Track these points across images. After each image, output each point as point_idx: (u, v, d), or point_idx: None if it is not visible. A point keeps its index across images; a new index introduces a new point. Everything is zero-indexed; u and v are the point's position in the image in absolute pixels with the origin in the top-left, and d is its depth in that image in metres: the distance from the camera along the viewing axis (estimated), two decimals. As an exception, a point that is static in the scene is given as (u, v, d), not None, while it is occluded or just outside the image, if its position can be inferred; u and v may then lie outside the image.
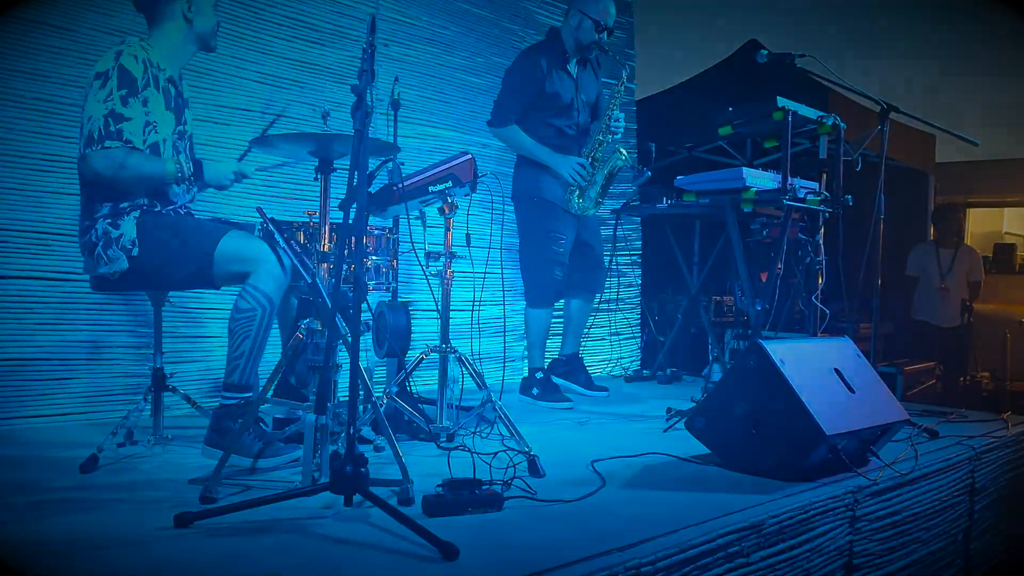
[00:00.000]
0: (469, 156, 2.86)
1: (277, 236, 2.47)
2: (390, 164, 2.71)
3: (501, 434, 2.75)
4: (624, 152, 3.70)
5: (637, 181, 4.15)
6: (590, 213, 3.77)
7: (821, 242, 3.68)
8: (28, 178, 3.06)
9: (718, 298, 5.32)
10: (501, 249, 4.11)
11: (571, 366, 4.08)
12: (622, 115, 3.81)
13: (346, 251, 2.12)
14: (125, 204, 2.49)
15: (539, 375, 3.85)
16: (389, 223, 3.33)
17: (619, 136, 3.79)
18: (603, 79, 4.04)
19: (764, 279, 3.89)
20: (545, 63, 3.75)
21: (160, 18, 2.61)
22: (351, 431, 1.89)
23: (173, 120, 2.63)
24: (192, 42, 2.66)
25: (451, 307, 2.89)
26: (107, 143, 2.40)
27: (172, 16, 2.60)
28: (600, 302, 4.20)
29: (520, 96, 3.75)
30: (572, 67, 3.86)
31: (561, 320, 4.31)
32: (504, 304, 4.52)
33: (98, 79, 2.43)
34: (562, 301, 4.07)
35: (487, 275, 3.79)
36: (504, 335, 4.59)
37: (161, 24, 2.61)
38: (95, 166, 2.41)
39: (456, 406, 2.94)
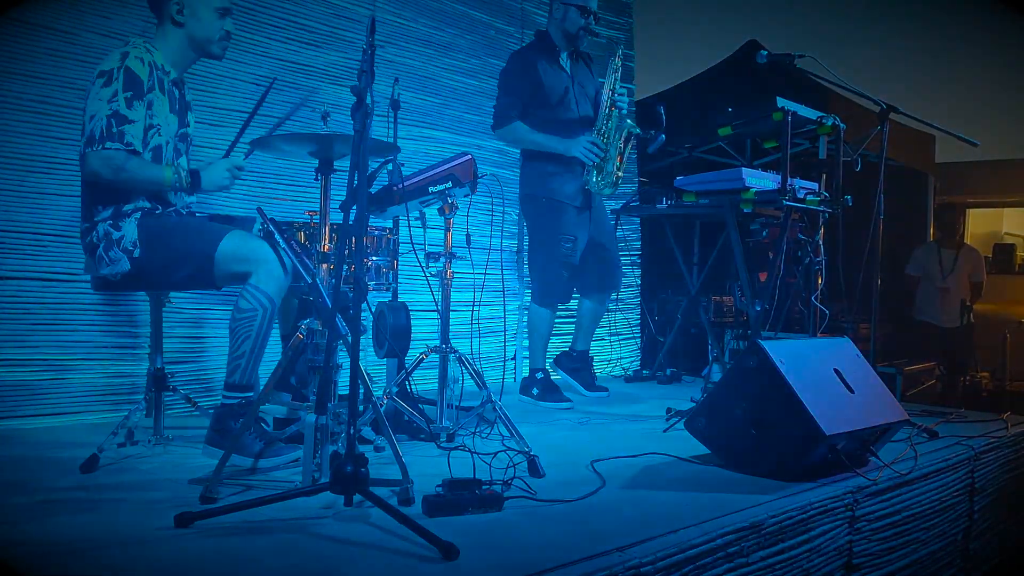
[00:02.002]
0: (469, 156, 2.86)
1: (277, 236, 2.47)
2: (390, 165, 2.71)
3: (501, 434, 2.75)
4: (631, 122, 3.66)
5: (652, 147, 4.07)
6: (607, 192, 3.72)
7: (821, 242, 3.69)
8: (25, 180, 3.06)
9: (718, 298, 5.32)
10: (501, 250, 4.11)
11: (580, 363, 4.07)
12: (625, 89, 3.77)
13: (346, 251, 2.12)
14: (127, 206, 2.49)
15: (539, 375, 3.85)
16: (389, 223, 3.33)
17: (624, 110, 3.75)
18: (599, 79, 4.02)
19: (763, 279, 3.90)
20: (536, 59, 3.74)
21: (162, 20, 2.61)
22: (351, 431, 1.89)
23: (176, 123, 2.63)
24: (190, 46, 2.63)
25: (450, 307, 2.90)
26: (108, 144, 2.40)
27: (168, 17, 2.60)
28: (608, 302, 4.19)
29: (517, 93, 3.73)
30: (564, 61, 3.85)
31: (564, 321, 4.32)
32: (504, 304, 4.53)
33: (102, 77, 2.43)
34: (574, 301, 4.06)
35: (487, 275, 3.79)
36: (504, 335, 4.60)
37: (163, 25, 2.61)
38: (94, 167, 2.41)
39: (456, 406, 2.94)
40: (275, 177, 3.74)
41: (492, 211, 3.43)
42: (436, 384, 2.90)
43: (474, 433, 2.85)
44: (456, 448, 2.65)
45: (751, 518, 2.05)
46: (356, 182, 1.97)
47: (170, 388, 2.66)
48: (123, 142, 2.41)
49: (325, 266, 2.38)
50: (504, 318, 4.54)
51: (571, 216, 3.73)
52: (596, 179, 3.70)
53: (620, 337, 5.25)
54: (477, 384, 2.77)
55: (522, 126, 3.75)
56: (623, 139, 3.68)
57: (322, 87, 3.89)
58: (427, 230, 2.85)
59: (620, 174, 3.72)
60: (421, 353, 2.86)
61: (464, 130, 4.48)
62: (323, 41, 3.93)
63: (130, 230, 2.47)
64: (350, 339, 2.10)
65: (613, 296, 4.18)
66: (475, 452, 2.42)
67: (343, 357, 2.29)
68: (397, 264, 3.14)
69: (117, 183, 2.44)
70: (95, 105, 2.41)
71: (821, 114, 3.55)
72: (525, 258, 4.06)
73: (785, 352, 2.53)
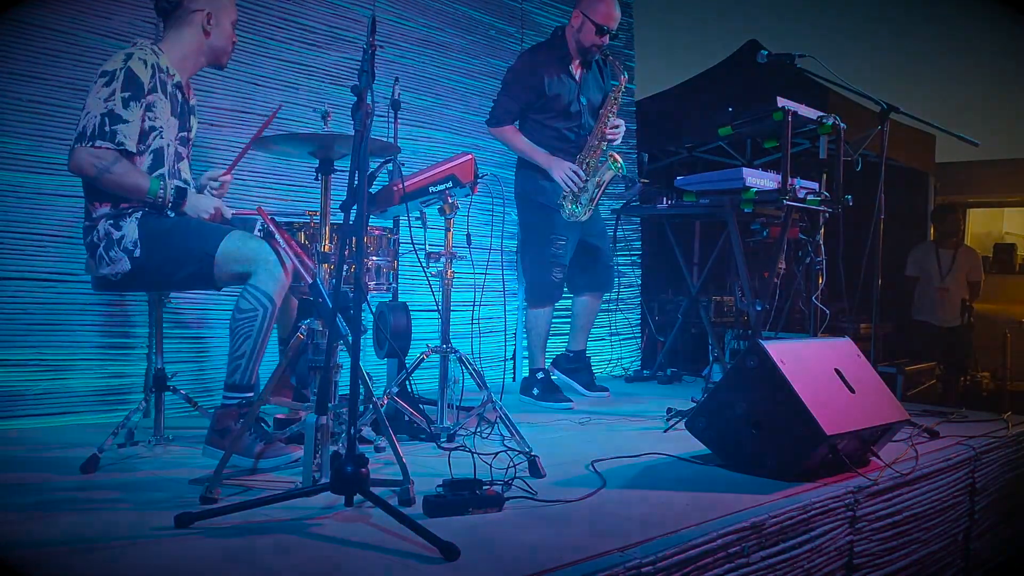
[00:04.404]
0: (470, 157, 2.86)
1: (278, 236, 2.47)
2: (390, 165, 2.71)
3: (501, 434, 2.75)
4: (619, 160, 3.65)
5: (629, 193, 4.13)
6: (581, 220, 3.74)
7: (821, 242, 3.68)
8: (24, 181, 3.06)
9: (718, 298, 5.33)
10: (502, 250, 4.11)
11: (577, 364, 4.08)
12: (621, 121, 3.78)
13: (347, 252, 2.12)
14: (127, 205, 2.49)
15: (540, 375, 3.85)
16: (389, 223, 3.33)
17: (617, 142, 3.77)
18: (611, 81, 4.01)
19: (767, 277, 3.89)
20: (545, 64, 3.73)
21: (178, 24, 2.63)
22: (351, 431, 1.89)
23: (177, 127, 2.64)
24: (204, 54, 2.68)
25: (450, 307, 2.89)
26: (98, 142, 2.40)
27: (191, 24, 2.62)
28: (601, 302, 4.19)
29: (517, 97, 3.74)
30: (574, 69, 3.84)
31: (562, 321, 4.31)
32: (504, 304, 4.52)
33: (103, 77, 2.44)
34: (569, 300, 4.06)
35: (487, 275, 3.78)
36: (504, 335, 4.60)
37: (179, 30, 2.63)
38: (80, 162, 2.41)
39: (456, 406, 2.94)
40: (275, 177, 3.74)
41: (492, 211, 3.43)
42: (436, 384, 2.90)
43: (474, 433, 2.86)
44: (456, 448, 2.65)
45: (751, 518, 2.05)
46: (356, 182, 1.97)
47: (170, 388, 2.66)
48: (114, 142, 2.41)
49: (325, 266, 2.37)
50: (504, 318, 4.54)
51: (560, 217, 3.74)
52: (569, 206, 3.70)
53: (620, 337, 5.25)
54: (477, 384, 2.77)
55: (514, 131, 3.76)
56: (602, 178, 3.67)
57: (321, 87, 3.89)
58: (427, 230, 2.85)
59: (592, 208, 3.72)
60: (421, 353, 2.85)
61: (464, 130, 4.48)
62: (323, 41, 3.92)
63: (131, 230, 2.47)
64: (350, 339, 2.10)
65: (606, 295, 4.18)
66: (475, 452, 2.42)
67: (343, 357, 2.29)
68: (397, 264, 3.14)
69: (100, 183, 2.43)
70: (92, 103, 2.42)
71: (821, 114, 3.55)
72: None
73: (786, 352, 2.53)
